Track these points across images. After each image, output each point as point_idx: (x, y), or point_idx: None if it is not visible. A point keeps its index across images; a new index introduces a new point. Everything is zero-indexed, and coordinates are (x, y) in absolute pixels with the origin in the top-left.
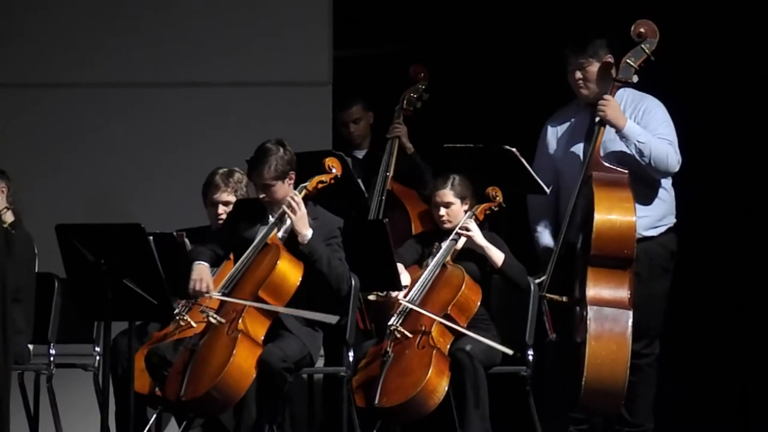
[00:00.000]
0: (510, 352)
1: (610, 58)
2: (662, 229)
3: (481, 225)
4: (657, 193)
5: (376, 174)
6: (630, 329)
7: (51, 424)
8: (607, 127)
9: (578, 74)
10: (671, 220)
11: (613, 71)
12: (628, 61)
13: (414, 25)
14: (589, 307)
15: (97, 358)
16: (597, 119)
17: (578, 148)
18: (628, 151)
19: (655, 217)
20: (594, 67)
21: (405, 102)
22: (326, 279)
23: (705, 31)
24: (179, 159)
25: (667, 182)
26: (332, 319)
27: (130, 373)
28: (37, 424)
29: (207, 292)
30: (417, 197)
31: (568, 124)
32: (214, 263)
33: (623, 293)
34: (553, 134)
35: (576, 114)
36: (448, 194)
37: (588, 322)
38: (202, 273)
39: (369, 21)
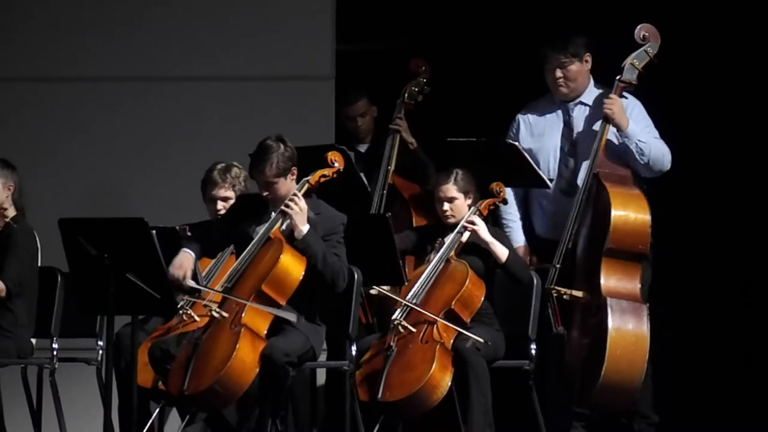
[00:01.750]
0: (481, 340)
1: (588, 57)
2: None
3: (484, 220)
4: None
5: (379, 168)
6: (648, 323)
7: (54, 418)
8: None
9: (558, 72)
10: None
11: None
12: (632, 63)
13: (416, 19)
14: (608, 299)
15: (100, 352)
16: (603, 116)
17: (553, 144)
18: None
19: None
20: (575, 66)
21: (406, 95)
22: (321, 275)
23: (683, 31)
24: (182, 153)
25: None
26: (292, 317)
27: (133, 367)
28: (40, 418)
29: (183, 279)
30: (418, 191)
31: (542, 118)
32: (206, 254)
33: (636, 286)
34: (525, 127)
35: (549, 109)
36: (451, 189)
37: (608, 314)
38: (182, 260)
39: (372, 15)
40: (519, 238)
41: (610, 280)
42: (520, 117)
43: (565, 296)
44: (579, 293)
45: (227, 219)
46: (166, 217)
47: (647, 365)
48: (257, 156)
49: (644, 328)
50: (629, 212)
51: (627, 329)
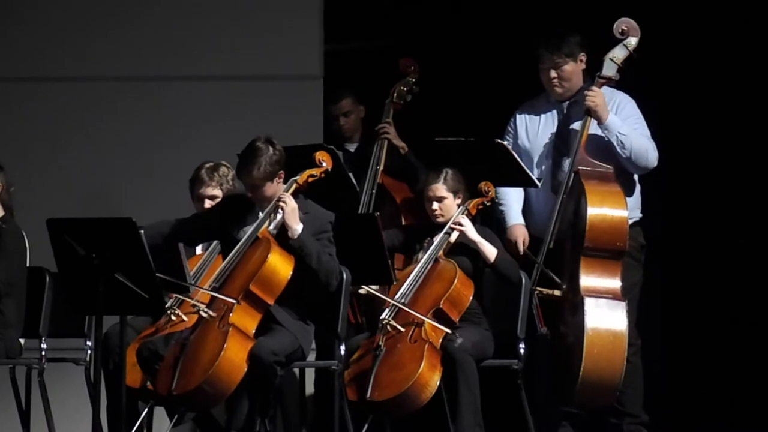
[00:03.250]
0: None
1: (583, 56)
2: (629, 222)
3: (473, 220)
4: (625, 188)
5: (368, 168)
6: (626, 320)
7: (42, 419)
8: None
9: (553, 73)
10: (637, 214)
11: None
12: (611, 58)
13: (405, 19)
14: (585, 298)
15: (89, 352)
16: (585, 109)
17: (548, 143)
18: (604, 142)
19: None
20: (570, 66)
21: (395, 95)
22: (315, 274)
23: (671, 27)
24: (171, 153)
25: (634, 177)
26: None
27: (121, 367)
28: (29, 419)
29: None
30: (407, 190)
31: (537, 117)
32: (177, 240)
33: (616, 284)
34: (522, 125)
35: (545, 109)
36: (440, 188)
37: (584, 313)
38: None
39: (360, 15)
40: (515, 217)
41: (588, 278)
42: (517, 115)
43: (547, 296)
44: (559, 293)
45: (210, 213)
46: (155, 216)
47: (638, 361)
48: (245, 157)
49: (622, 325)
50: (605, 209)
51: (604, 327)
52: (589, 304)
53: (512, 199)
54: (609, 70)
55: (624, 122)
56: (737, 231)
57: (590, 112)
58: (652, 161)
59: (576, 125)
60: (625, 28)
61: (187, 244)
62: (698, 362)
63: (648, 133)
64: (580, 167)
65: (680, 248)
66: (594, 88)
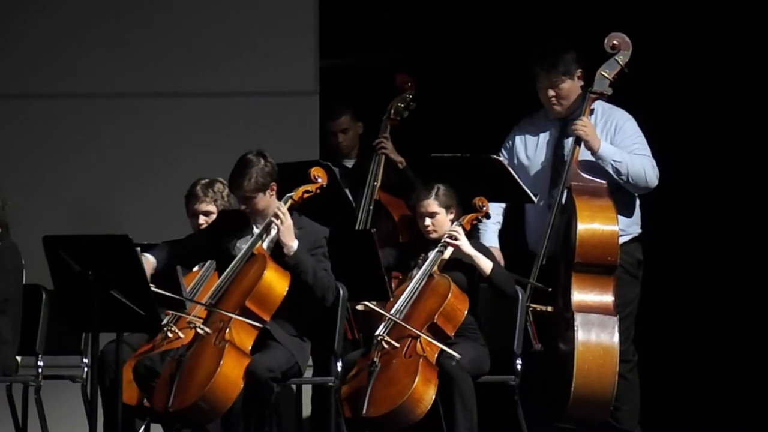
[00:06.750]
0: (456, 355)
1: (580, 73)
2: (627, 238)
3: (468, 235)
4: (624, 204)
5: (365, 184)
6: (617, 335)
7: None
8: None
9: (551, 92)
10: (636, 230)
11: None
12: (602, 73)
13: (401, 34)
14: (575, 314)
15: (85, 369)
16: (574, 137)
17: (546, 161)
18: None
19: (620, 226)
20: (567, 84)
21: (392, 111)
22: (311, 290)
23: (668, 42)
24: (167, 170)
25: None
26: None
27: (118, 384)
28: None
29: None
30: (404, 206)
31: (536, 134)
32: (177, 262)
33: (608, 298)
34: (521, 143)
35: (544, 126)
36: (432, 204)
37: (575, 328)
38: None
39: (356, 30)
40: (491, 240)
41: (579, 294)
42: (516, 133)
43: (540, 312)
44: (552, 309)
45: (207, 232)
46: (151, 233)
47: (634, 377)
48: (236, 170)
49: (613, 340)
50: (596, 225)
51: (595, 342)
52: (580, 319)
53: (492, 221)
54: (600, 85)
55: (622, 143)
56: (736, 246)
57: (580, 142)
58: (652, 181)
59: (570, 142)
60: (616, 43)
61: (185, 267)
62: (696, 379)
63: (648, 151)
64: (573, 183)
65: (679, 264)
66: (583, 117)
